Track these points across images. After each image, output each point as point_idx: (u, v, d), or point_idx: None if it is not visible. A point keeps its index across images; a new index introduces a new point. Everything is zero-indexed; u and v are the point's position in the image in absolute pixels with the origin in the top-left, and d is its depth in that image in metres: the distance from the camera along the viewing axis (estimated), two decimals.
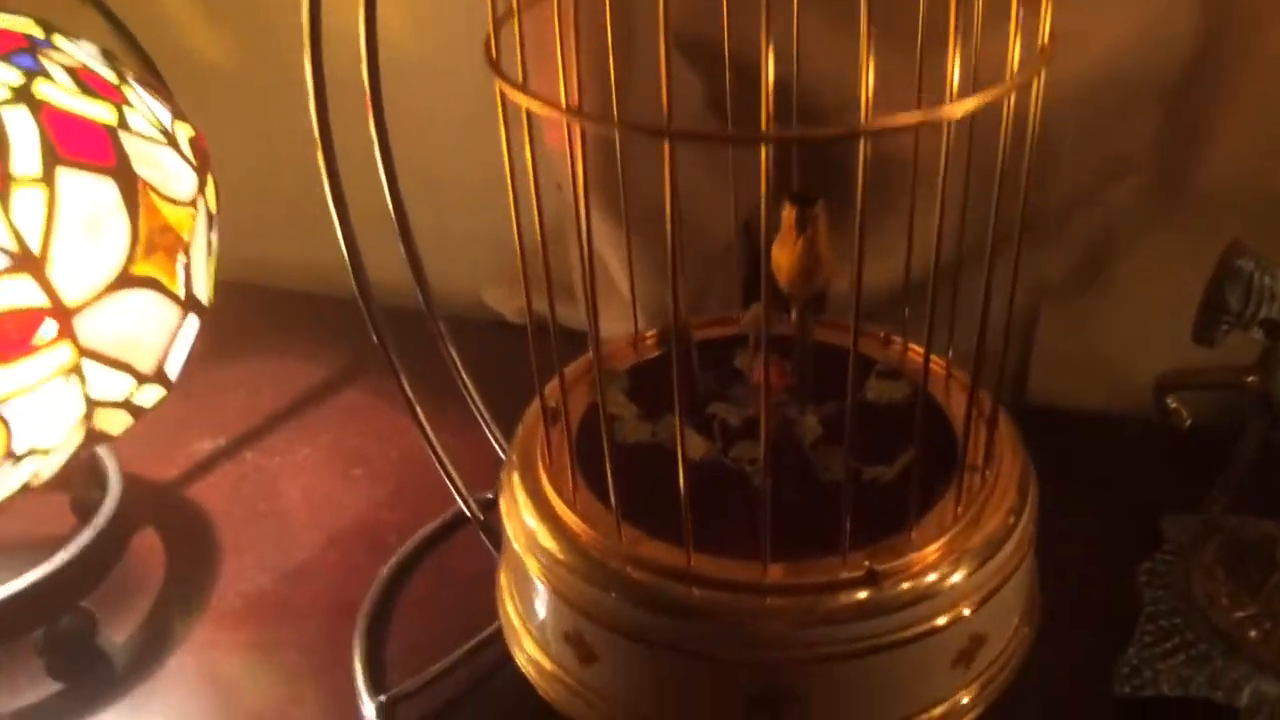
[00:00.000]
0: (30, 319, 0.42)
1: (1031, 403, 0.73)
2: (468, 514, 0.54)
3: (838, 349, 0.50)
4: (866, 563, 0.39)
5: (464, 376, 0.55)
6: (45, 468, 0.46)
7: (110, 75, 0.49)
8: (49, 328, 0.42)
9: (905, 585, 0.39)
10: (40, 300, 0.42)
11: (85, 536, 0.55)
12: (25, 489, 0.47)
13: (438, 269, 0.53)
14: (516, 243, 0.41)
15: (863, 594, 0.39)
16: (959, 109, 0.32)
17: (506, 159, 0.39)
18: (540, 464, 0.45)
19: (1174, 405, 0.51)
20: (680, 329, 0.47)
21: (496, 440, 0.55)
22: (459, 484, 0.55)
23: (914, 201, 0.45)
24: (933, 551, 0.40)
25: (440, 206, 0.70)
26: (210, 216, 0.52)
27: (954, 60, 0.33)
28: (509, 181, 0.40)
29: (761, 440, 0.37)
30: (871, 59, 0.30)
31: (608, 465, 0.40)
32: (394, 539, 0.62)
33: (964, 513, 0.41)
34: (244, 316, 0.82)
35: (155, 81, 0.56)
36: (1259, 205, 0.65)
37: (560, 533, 0.43)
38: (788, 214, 0.40)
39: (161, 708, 0.54)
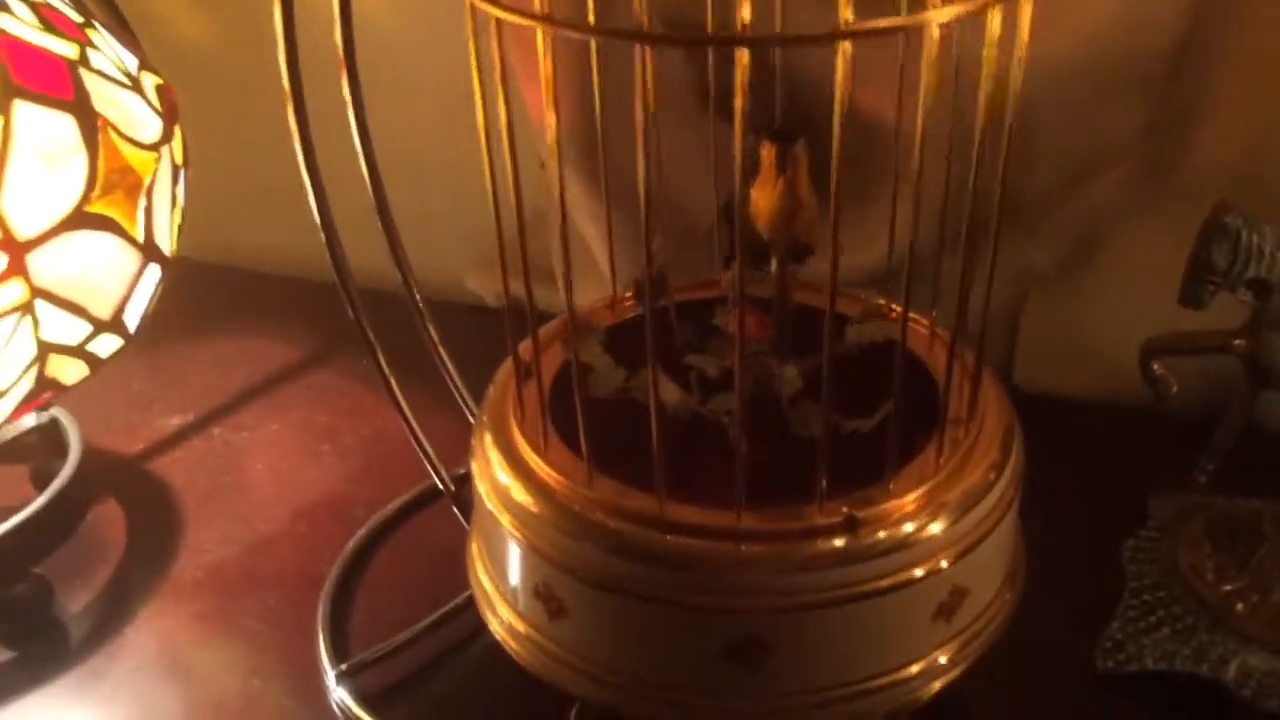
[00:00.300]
0: None
1: (1018, 390, 0.72)
2: (440, 485, 0.52)
3: (819, 309, 0.49)
4: (844, 509, 0.38)
5: (441, 352, 0.53)
6: None
7: (75, 16, 0.48)
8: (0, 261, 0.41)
9: (882, 534, 0.38)
10: None
11: (40, 501, 0.53)
12: None
13: (420, 252, 0.52)
14: (493, 212, 0.40)
15: (839, 541, 0.37)
16: (941, 14, 0.30)
17: (480, 105, 0.38)
18: (513, 421, 0.44)
19: (1160, 371, 0.50)
20: (656, 276, 0.46)
21: (474, 418, 0.54)
22: (430, 453, 0.53)
23: (897, 178, 0.44)
24: (911, 501, 0.39)
25: (423, 189, 0.69)
26: (176, 168, 0.50)
27: None
28: (484, 145, 0.39)
29: (736, 389, 0.36)
30: None
31: (579, 415, 0.38)
32: (362, 513, 0.60)
33: (944, 464, 0.40)
34: (220, 297, 0.81)
35: (124, 33, 0.55)
36: (1246, 191, 0.64)
37: (533, 485, 0.41)
38: (766, 153, 0.39)
39: (115, 677, 0.52)
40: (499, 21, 0.34)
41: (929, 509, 0.39)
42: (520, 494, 0.41)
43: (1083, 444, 0.64)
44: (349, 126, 0.47)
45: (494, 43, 0.35)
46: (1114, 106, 0.64)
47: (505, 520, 0.41)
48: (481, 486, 0.43)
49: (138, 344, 0.73)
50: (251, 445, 0.67)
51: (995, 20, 0.33)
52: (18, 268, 0.42)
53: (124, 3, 0.59)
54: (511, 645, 0.43)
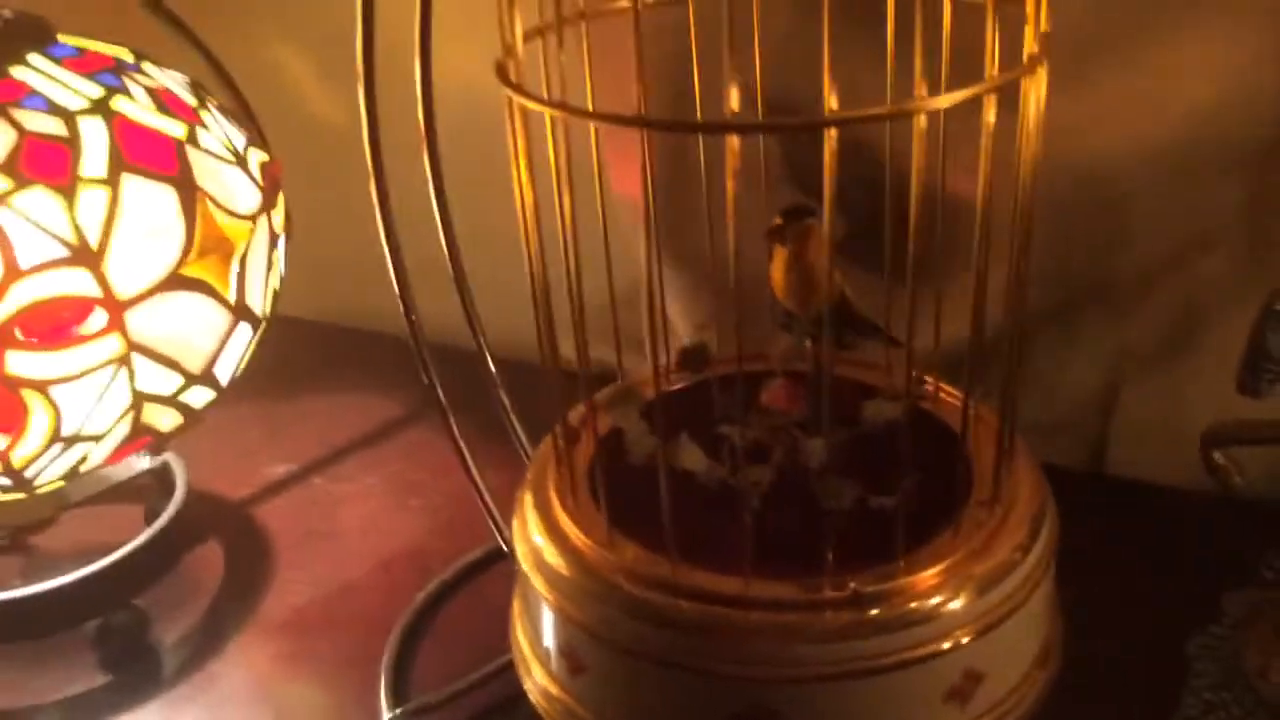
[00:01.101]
0: (82, 307, 0.45)
1: (1110, 473, 0.71)
2: (503, 546, 0.55)
3: (865, 385, 0.50)
4: (852, 584, 0.38)
5: (512, 419, 0.56)
6: (95, 454, 0.49)
7: (190, 100, 0.53)
8: (99, 317, 0.45)
9: (890, 610, 0.38)
10: (94, 291, 0.45)
11: (142, 538, 0.58)
12: (74, 473, 0.49)
13: (519, 318, 0.54)
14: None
15: (845, 614, 0.38)
16: (933, 103, 0.32)
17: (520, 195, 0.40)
18: (551, 484, 0.46)
19: (1221, 461, 0.48)
20: (697, 348, 0.48)
21: None
22: (495, 514, 0.56)
23: (932, 250, 0.44)
24: (925, 578, 0.39)
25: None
26: (274, 236, 0.55)
27: (916, 55, 0.33)
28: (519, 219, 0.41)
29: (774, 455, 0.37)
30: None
31: (595, 477, 0.40)
32: (438, 566, 0.63)
33: (962, 543, 0.40)
34: (334, 354, 0.87)
35: (242, 114, 0.60)
36: None
37: (563, 546, 0.43)
38: (777, 226, 0.40)
39: (197, 706, 0.56)
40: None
41: (943, 587, 0.39)
42: (551, 555, 0.43)
43: (1170, 529, 0.62)
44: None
45: (515, 125, 0.38)
46: (1213, 185, 0.63)
47: (537, 581, 0.43)
48: (520, 547, 0.45)
49: (251, 396, 0.80)
50: (347, 496, 0.71)
51: (990, 109, 0.34)
52: (117, 324, 0.46)
53: (250, 85, 0.65)
54: (542, 705, 0.45)
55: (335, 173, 0.79)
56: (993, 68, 0.33)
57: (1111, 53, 0.60)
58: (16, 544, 0.66)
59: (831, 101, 0.31)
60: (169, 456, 0.65)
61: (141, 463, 0.65)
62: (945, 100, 0.32)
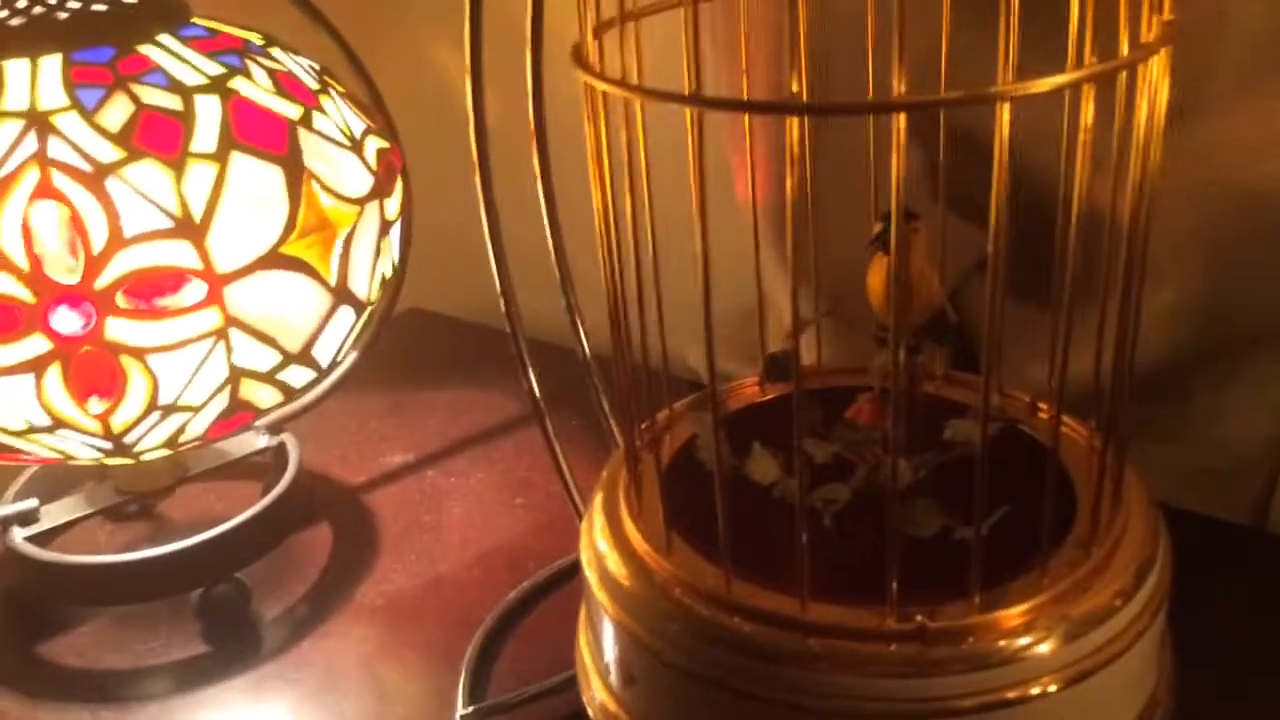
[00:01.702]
0: (182, 278, 0.46)
1: (1274, 531, 0.64)
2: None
3: (957, 404, 0.46)
4: (919, 616, 0.35)
5: (610, 422, 0.55)
6: (194, 425, 0.50)
7: (313, 84, 0.54)
8: (199, 289, 0.46)
9: (961, 648, 0.35)
10: (195, 263, 0.46)
11: (246, 514, 0.59)
12: (173, 443, 0.51)
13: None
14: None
15: (910, 649, 0.35)
16: (1019, 88, 0.28)
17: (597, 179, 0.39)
18: (621, 490, 0.44)
19: None
20: (783, 358, 0.45)
21: None
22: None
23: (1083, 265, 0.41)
24: (1003, 618, 0.35)
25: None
26: (385, 223, 0.55)
27: (1002, 34, 0.29)
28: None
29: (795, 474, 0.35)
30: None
31: (655, 483, 0.38)
32: (533, 566, 0.62)
33: (1050, 585, 0.36)
34: (463, 349, 0.88)
35: (371, 104, 0.61)
36: None
37: (625, 554, 0.41)
38: (876, 231, 0.38)
39: (283, 682, 0.56)
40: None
41: (1026, 629, 0.36)
42: (614, 563, 0.41)
43: None
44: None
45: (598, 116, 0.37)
46: None
47: (597, 587, 0.42)
48: (585, 554, 0.44)
49: (382, 385, 0.82)
50: (456, 489, 0.71)
51: (1089, 102, 0.30)
52: (215, 297, 0.47)
53: (396, 83, 0.66)
54: (599, 718, 0.43)
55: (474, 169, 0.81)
56: (1092, 54, 0.30)
57: None
58: (145, 511, 0.69)
59: (901, 86, 0.28)
60: (285, 437, 0.67)
61: (260, 440, 0.66)
62: (1028, 87, 0.29)
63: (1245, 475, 0.66)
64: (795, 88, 0.29)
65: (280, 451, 0.66)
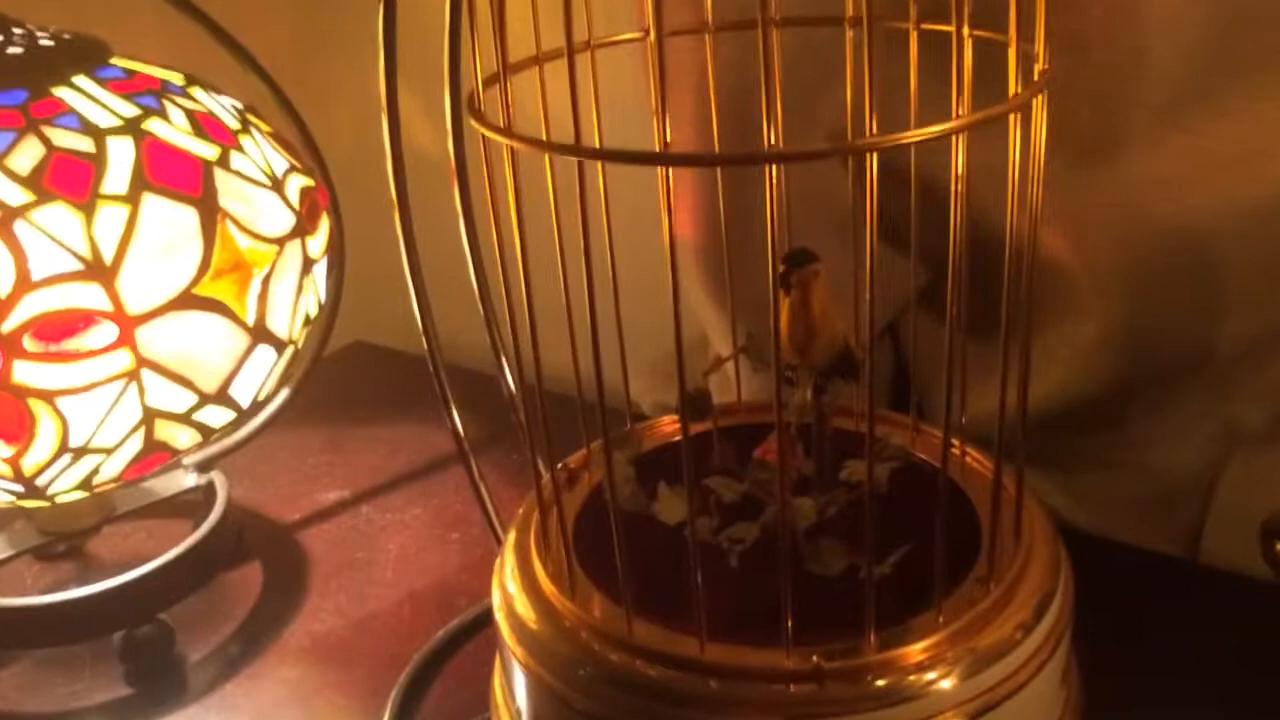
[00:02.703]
0: (91, 320, 0.46)
1: (1204, 562, 0.65)
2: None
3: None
4: (815, 656, 0.35)
5: (535, 459, 0.55)
6: (108, 466, 0.50)
7: (233, 123, 0.54)
8: (109, 330, 0.46)
9: (859, 686, 0.35)
10: (105, 305, 0.46)
11: (169, 555, 0.59)
12: (88, 484, 0.50)
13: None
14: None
15: (808, 689, 0.35)
16: (900, 138, 0.29)
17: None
18: (532, 531, 0.44)
19: None
20: (696, 395, 0.46)
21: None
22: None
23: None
24: (900, 655, 0.36)
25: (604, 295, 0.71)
26: (308, 261, 0.55)
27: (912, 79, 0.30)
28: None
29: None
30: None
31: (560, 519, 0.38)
32: (464, 603, 0.62)
33: (948, 622, 0.36)
34: (405, 382, 0.87)
35: (297, 141, 0.61)
36: None
37: (534, 597, 0.41)
38: (780, 273, 0.38)
39: None
40: None
41: (927, 666, 0.36)
42: (522, 605, 0.41)
43: (1259, 627, 0.56)
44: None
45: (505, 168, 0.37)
46: None
47: (505, 630, 0.41)
48: (495, 595, 0.43)
49: (320, 420, 0.81)
50: (391, 526, 0.70)
51: (961, 147, 0.31)
52: (127, 339, 0.47)
53: (318, 113, 0.66)
54: None
55: (416, 201, 0.81)
56: (960, 106, 0.30)
57: (1212, 102, 0.56)
58: (73, 550, 0.68)
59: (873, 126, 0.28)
60: (214, 475, 0.66)
61: (188, 480, 0.66)
62: (910, 136, 0.29)
63: (1179, 505, 0.67)
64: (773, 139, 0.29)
65: (210, 490, 0.66)
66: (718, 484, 0.42)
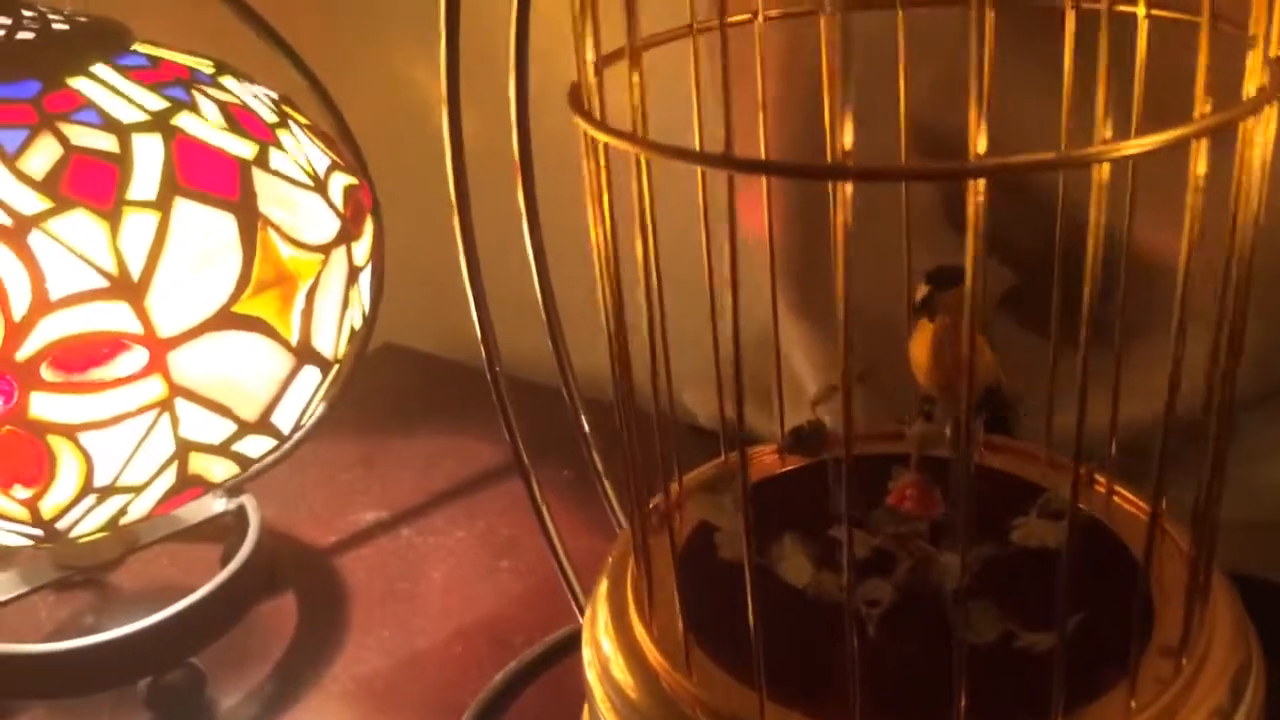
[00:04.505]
0: (118, 345, 0.40)
1: None
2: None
3: (1023, 482, 0.41)
4: None
5: (605, 485, 0.50)
6: (137, 506, 0.44)
7: (270, 116, 0.48)
8: (138, 356, 0.40)
9: None
10: (133, 327, 0.40)
11: (202, 592, 0.53)
12: (113, 525, 0.45)
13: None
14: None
15: None
16: (1120, 149, 0.23)
17: (598, 218, 0.34)
18: (629, 581, 0.39)
19: None
20: (812, 427, 0.40)
21: None
22: (579, 596, 0.49)
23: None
24: None
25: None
26: (354, 270, 0.49)
27: (1100, 85, 0.24)
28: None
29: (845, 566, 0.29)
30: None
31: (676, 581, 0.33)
32: (520, 640, 0.57)
33: (1141, 707, 0.31)
34: (439, 390, 0.82)
35: (337, 135, 0.55)
36: None
37: (634, 663, 0.36)
38: (920, 296, 0.32)
39: None
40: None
41: None
42: (620, 670, 0.36)
43: None
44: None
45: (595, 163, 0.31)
46: None
47: (601, 698, 0.36)
48: (587, 653, 0.38)
49: (351, 431, 0.76)
50: (433, 551, 0.65)
51: (1200, 158, 0.25)
52: (158, 364, 0.41)
53: (358, 107, 0.61)
54: None
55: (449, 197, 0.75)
56: (1204, 105, 0.25)
57: None
58: (90, 580, 0.63)
59: (980, 144, 0.23)
60: (246, 499, 0.61)
61: (217, 505, 0.60)
62: (1135, 146, 0.24)
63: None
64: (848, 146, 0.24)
65: (241, 514, 0.60)
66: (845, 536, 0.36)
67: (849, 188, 0.24)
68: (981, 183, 0.23)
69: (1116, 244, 0.49)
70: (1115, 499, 0.40)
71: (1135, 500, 0.40)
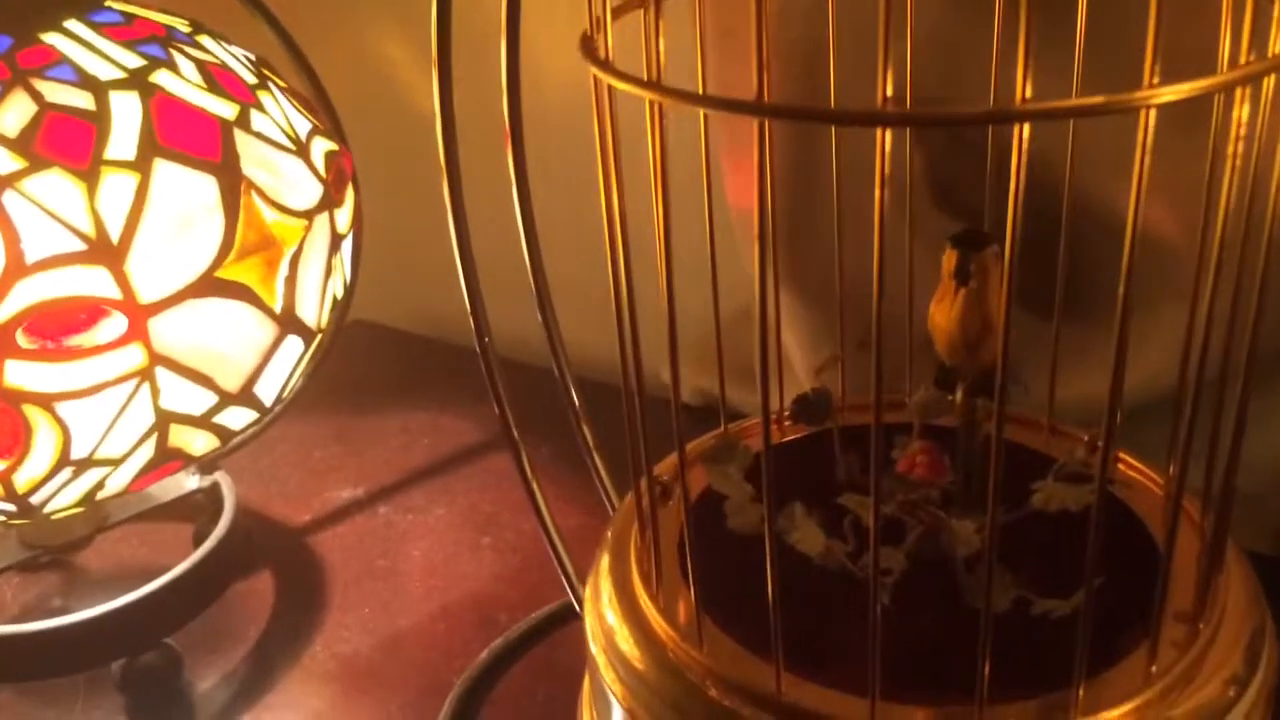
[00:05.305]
0: (97, 311, 0.38)
1: None
2: (575, 605, 0.47)
3: (1026, 449, 0.41)
4: None
5: (596, 461, 0.49)
6: (114, 480, 0.43)
7: (249, 77, 0.46)
8: (118, 323, 0.39)
9: None
10: (112, 292, 0.39)
11: (176, 571, 0.52)
12: (89, 500, 0.43)
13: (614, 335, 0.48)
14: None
15: None
16: (1162, 94, 0.23)
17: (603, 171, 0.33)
18: (633, 552, 0.38)
19: None
20: (818, 395, 0.39)
21: None
22: (570, 568, 0.48)
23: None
24: (1107, 718, 0.30)
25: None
26: (336, 237, 0.48)
27: (1150, 30, 0.24)
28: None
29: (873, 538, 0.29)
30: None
31: (661, 551, 0.32)
32: (505, 619, 0.55)
33: (1158, 674, 0.31)
34: (415, 366, 0.81)
35: (314, 99, 0.54)
36: None
37: (641, 634, 0.35)
38: (947, 260, 0.32)
39: None
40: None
41: None
42: (626, 642, 0.35)
43: None
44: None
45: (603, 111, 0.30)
46: None
47: (606, 671, 0.35)
48: (590, 623, 0.37)
49: (324, 408, 0.74)
50: (413, 529, 0.63)
51: (1243, 104, 0.25)
52: (138, 332, 0.40)
53: (334, 72, 0.59)
54: None
55: (427, 169, 0.73)
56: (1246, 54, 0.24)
57: None
58: (57, 561, 0.61)
59: (1027, 89, 0.22)
60: (220, 476, 0.59)
61: (190, 482, 0.59)
62: (1180, 90, 0.23)
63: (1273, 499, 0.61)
64: (889, 92, 0.23)
65: (214, 492, 0.59)
66: (854, 503, 0.35)
67: (889, 135, 0.23)
68: (1027, 128, 0.22)
69: (1107, 211, 0.48)
70: (1120, 466, 0.40)
71: (1139, 467, 0.39)
